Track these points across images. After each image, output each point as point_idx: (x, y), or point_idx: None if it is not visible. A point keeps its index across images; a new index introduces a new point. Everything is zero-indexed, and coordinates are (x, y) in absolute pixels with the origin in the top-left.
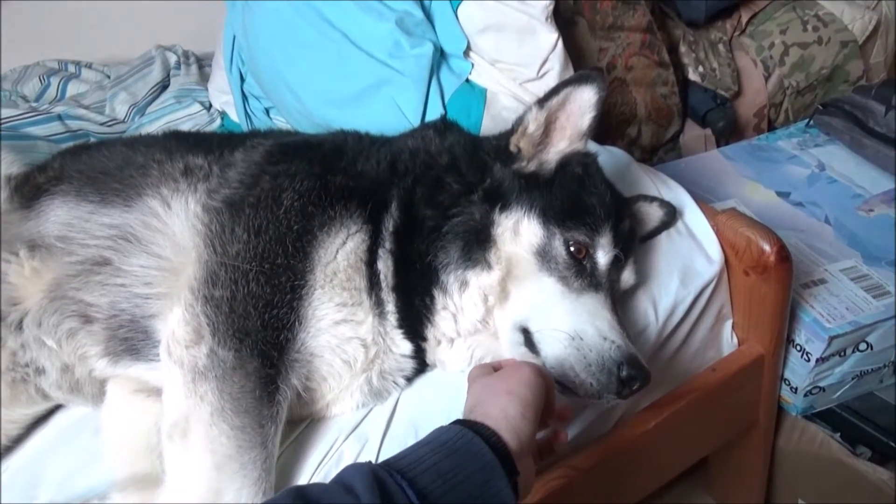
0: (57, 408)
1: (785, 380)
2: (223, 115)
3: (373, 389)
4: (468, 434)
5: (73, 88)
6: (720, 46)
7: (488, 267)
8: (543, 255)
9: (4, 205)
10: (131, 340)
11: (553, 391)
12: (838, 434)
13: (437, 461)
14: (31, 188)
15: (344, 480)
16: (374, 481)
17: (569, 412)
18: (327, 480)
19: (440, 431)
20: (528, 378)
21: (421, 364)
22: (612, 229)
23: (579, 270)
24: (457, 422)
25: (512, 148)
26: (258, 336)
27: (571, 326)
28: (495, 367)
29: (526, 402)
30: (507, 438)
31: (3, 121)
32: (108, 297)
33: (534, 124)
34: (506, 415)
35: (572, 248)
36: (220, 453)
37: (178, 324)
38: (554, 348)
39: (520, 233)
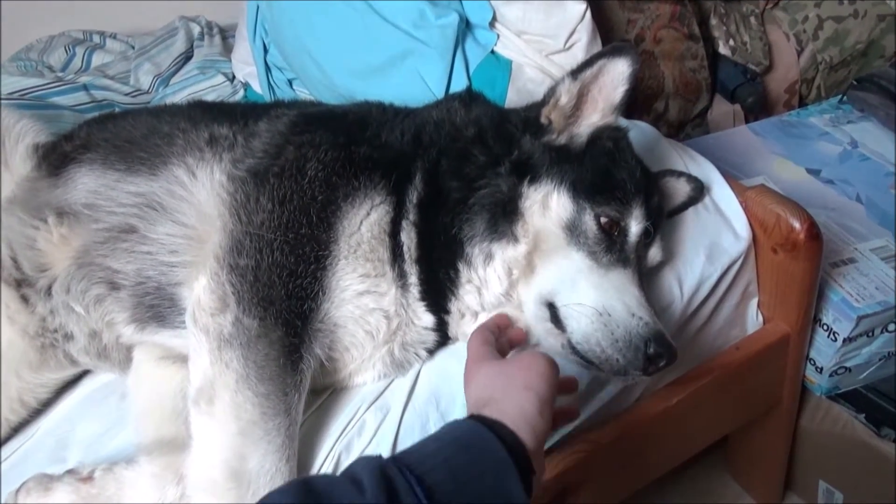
0: (85, 373)
1: (810, 359)
2: (246, 86)
3: (395, 361)
4: (482, 430)
5: (97, 59)
6: (752, 19)
7: (514, 240)
8: (573, 230)
9: (32, 172)
10: (157, 307)
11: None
12: (863, 415)
13: (449, 457)
14: (59, 156)
15: (352, 474)
16: (382, 477)
17: (573, 383)
18: (350, 449)
19: (454, 426)
20: (545, 371)
21: (443, 337)
22: (641, 205)
23: (608, 245)
24: (471, 417)
25: (543, 120)
26: (282, 305)
27: (600, 302)
28: (494, 332)
29: (543, 398)
30: (525, 437)
31: (29, 90)
32: (135, 265)
33: (566, 96)
34: (524, 412)
35: (602, 223)
36: (244, 419)
37: (203, 292)
38: (581, 323)
39: (549, 206)
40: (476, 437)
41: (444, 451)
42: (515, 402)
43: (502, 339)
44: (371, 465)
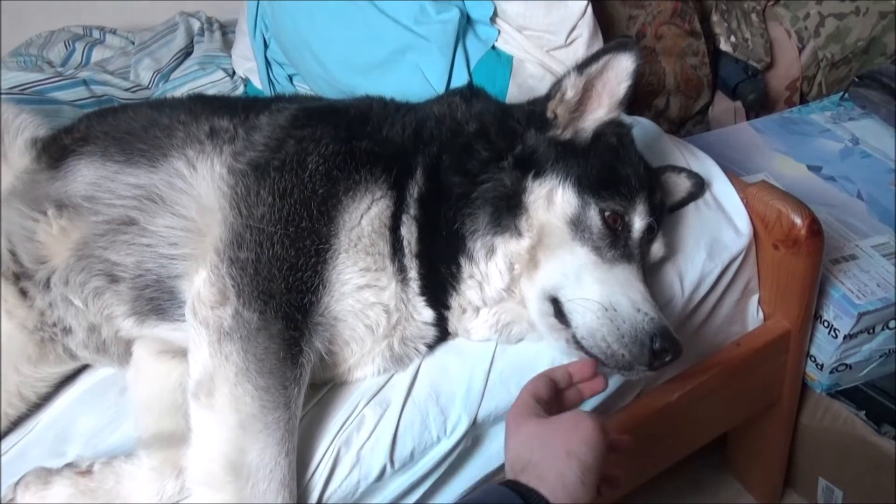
0: (84, 367)
1: (811, 356)
2: (246, 81)
3: (394, 355)
4: (515, 499)
5: (97, 54)
6: (753, 16)
7: (518, 234)
8: (577, 225)
9: (32, 165)
10: (157, 300)
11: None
12: (863, 412)
13: None
14: (58, 149)
15: None
16: None
17: (623, 442)
18: (349, 444)
19: (489, 491)
20: (590, 437)
21: (442, 332)
22: (645, 200)
23: (613, 241)
24: (507, 482)
25: (549, 114)
26: (282, 298)
27: (605, 297)
28: (561, 381)
29: (586, 466)
30: None
31: (29, 85)
32: (134, 257)
33: (572, 90)
34: (564, 481)
35: (607, 218)
36: (244, 412)
37: (203, 285)
38: (586, 318)
39: (554, 201)
40: None
41: None
42: (556, 469)
43: (570, 390)
44: None
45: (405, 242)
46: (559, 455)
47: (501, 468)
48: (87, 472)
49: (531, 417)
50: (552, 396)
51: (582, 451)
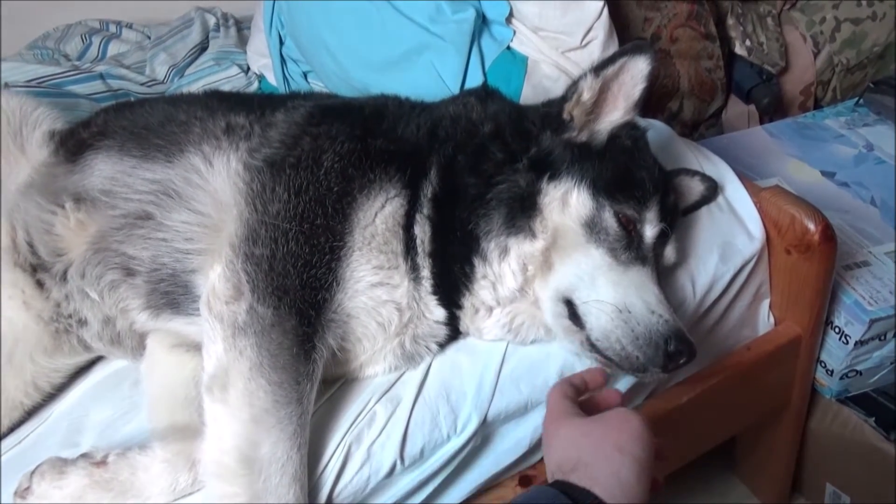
0: (98, 359)
1: (821, 362)
2: (261, 78)
3: (406, 353)
4: (565, 501)
5: (114, 48)
6: (769, 20)
7: (532, 235)
8: (592, 227)
9: (50, 158)
10: (172, 294)
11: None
12: (872, 419)
13: None
14: (76, 143)
15: None
16: None
17: (666, 449)
18: (360, 440)
19: (538, 493)
20: (640, 433)
21: (454, 331)
22: (659, 203)
23: (627, 243)
24: (556, 483)
25: (565, 116)
26: (296, 295)
27: (619, 299)
28: (580, 387)
29: (641, 463)
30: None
31: (46, 78)
32: (150, 251)
33: (588, 92)
34: (619, 480)
35: (622, 221)
36: (257, 407)
37: (218, 280)
38: (601, 320)
39: (569, 203)
40: None
41: None
42: (609, 468)
43: (588, 397)
44: None
45: (418, 241)
46: (611, 454)
47: (511, 467)
48: (103, 462)
49: (573, 418)
50: (576, 401)
51: (636, 449)
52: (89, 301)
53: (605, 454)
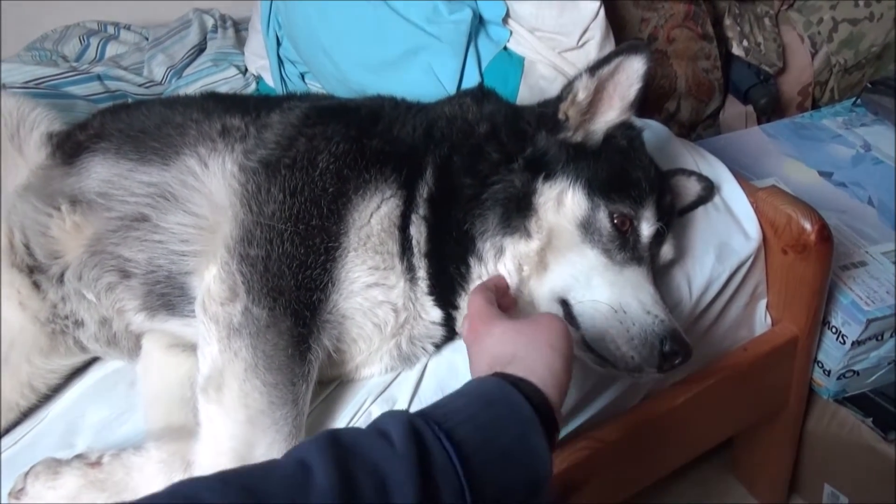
0: (94, 360)
1: (818, 362)
2: (259, 79)
3: (402, 354)
4: (507, 387)
5: (111, 49)
6: (766, 20)
7: (527, 235)
8: (587, 227)
9: (47, 160)
10: (168, 296)
11: None
12: (870, 419)
13: (475, 413)
14: (73, 145)
15: (380, 427)
16: (411, 430)
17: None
18: None
19: (478, 382)
20: (566, 334)
21: (450, 332)
22: (655, 203)
23: (623, 243)
24: (495, 374)
25: (561, 116)
26: (292, 295)
27: (615, 299)
28: (494, 292)
29: (567, 357)
30: (552, 394)
31: (44, 79)
32: (146, 253)
33: (584, 92)
34: (552, 371)
35: (616, 221)
36: (252, 408)
37: (213, 281)
38: (596, 320)
39: (564, 203)
40: (501, 394)
41: (470, 407)
42: (543, 361)
43: (502, 301)
44: (399, 419)
45: (414, 242)
46: (543, 349)
47: None
48: (97, 463)
49: (503, 319)
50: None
51: (562, 345)
52: (86, 303)
53: (538, 349)
